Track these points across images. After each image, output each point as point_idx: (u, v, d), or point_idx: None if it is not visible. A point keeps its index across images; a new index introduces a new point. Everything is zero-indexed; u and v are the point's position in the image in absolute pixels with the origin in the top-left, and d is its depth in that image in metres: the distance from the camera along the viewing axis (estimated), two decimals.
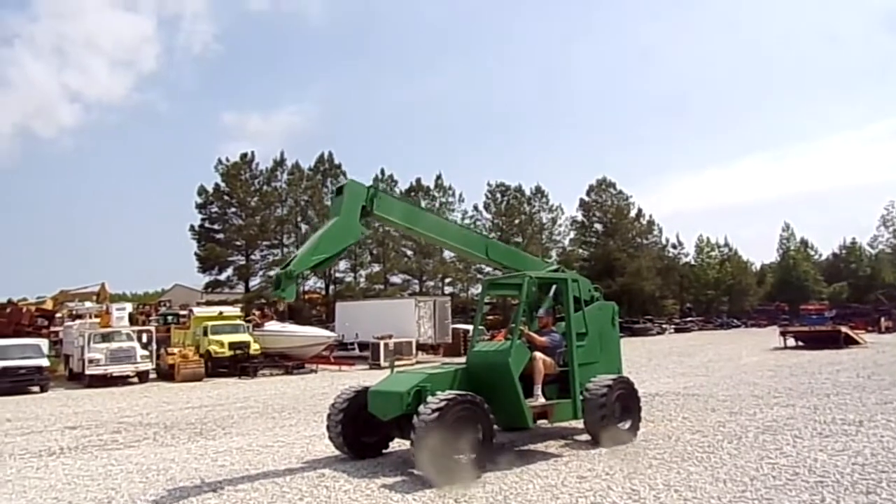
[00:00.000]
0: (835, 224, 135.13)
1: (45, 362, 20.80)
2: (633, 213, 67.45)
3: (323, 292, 52.45)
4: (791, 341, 27.92)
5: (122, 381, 21.61)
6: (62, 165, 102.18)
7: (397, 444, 8.24)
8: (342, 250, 7.67)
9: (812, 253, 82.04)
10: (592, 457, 7.59)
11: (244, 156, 50.64)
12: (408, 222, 8.60)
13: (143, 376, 22.17)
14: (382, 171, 56.35)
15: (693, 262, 73.60)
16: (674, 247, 71.42)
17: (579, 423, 8.53)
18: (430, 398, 6.92)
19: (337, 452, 8.14)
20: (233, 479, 7.28)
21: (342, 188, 7.81)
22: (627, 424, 8.33)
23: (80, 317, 26.07)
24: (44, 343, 23.00)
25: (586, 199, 66.68)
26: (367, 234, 8.64)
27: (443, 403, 6.72)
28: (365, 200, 7.70)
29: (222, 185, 49.51)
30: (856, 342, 26.46)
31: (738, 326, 61.00)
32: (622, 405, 8.29)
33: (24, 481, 7.71)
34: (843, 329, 27.40)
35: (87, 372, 21.04)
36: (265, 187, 50.80)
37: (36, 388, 20.01)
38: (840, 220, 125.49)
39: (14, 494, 7.05)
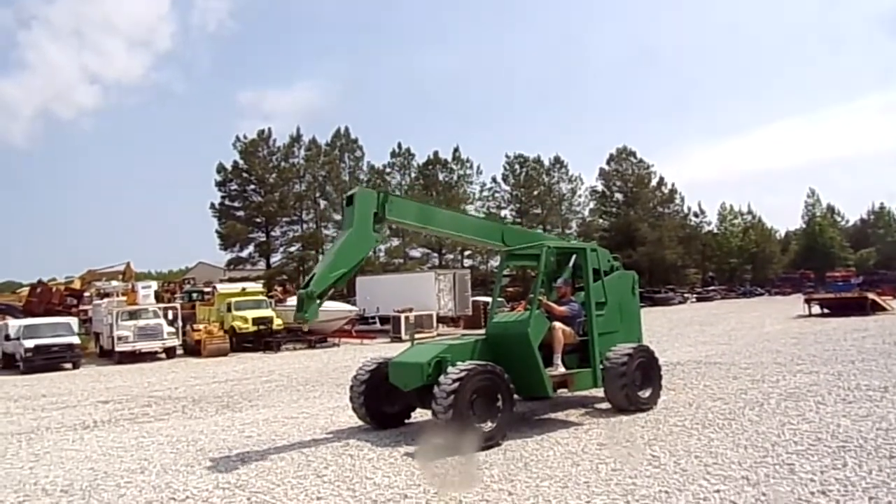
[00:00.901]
0: (863, 189, 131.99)
1: (76, 340, 21.36)
2: (654, 182, 66.53)
3: None
4: (816, 309, 27.54)
5: (150, 357, 22.17)
6: (83, 147, 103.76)
7: (419, 415, 8.37)
8: (360, 261, 7.59)
9: (839, 219, 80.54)
10: (613, 424, 7.64)
11: (261, 132, 50.84)
12: (422, 222, 8.69)
13: (170, 352, 22.70)
14: (399, 145, 56.30)
15: (716, 231, 72.59)
16: (696, 215, 70.52)
17: (599, 392, 8.58)
18: (450, 368, 6.99)
19: (360, 423, 8.29)
20: (260, 449, 7.47)
21: (352, 197, 7.68)
22: (648, 392, 8.34)
23: (107, 295, 26.64)
24: (74, 321, 23.60)
25: (606, 168, 65.90)
26: (381, 241, 8.63)
27: (463, 374, 6.80)
28: (376, 207, 7.61)
29: (241, 162, 49.80)
30: (883, 309, 26.03)
31: (761, 295, 60.38)
32: (642, 373, 8.30)
33: (62, 453, 8.00)
34: (870, 295, 26.96)
35: (117, 349, 21.59)
36: (283, 164, 50.97)
37: (68, 365, 20.62)
38: (868, 185, 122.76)
39: (52, 465, 7.32)
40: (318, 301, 7.08)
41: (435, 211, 9.33)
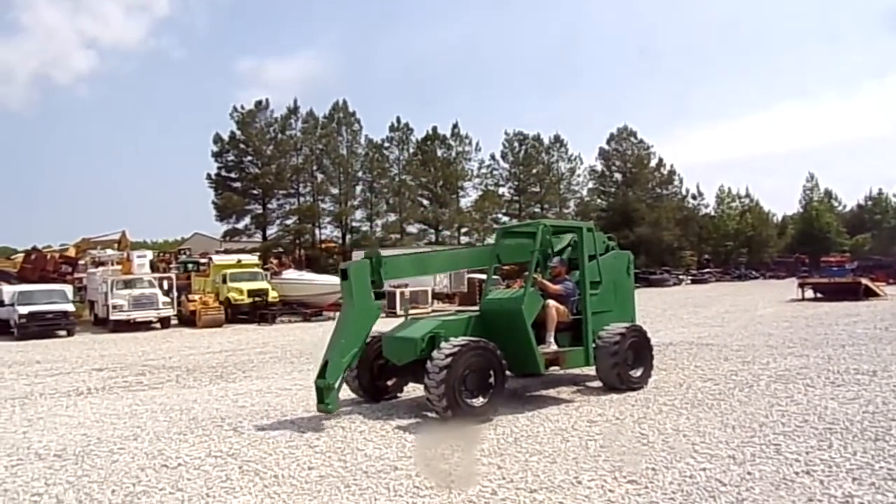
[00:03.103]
0: (862, 175, 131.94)
1: (70, 307, 21.40)
2: (653, 163, 66.36)
3: (340, 241, 52.83)
4: (809, 293, 27.70)
5: (145, 326, 22.22)
6: (80, 113, 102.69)
7: (412, 389, 8.42)
8: (368, 334, 7.60)
9: (836, 204, 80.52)
10: (603, 402, 7.70)
11: (259, 103, 50.33)
12: (420, 272, 8.99)
13: (165, 322, 22.77)
14: (398, 119, 55.76)
15: (713, 213, 72.63)
16: (693, 197, 70.57)
17: (591, 371, 8.64)
18: (443, 344, 7.02)
19: (353, 396, 8.34)
20: (253, 419, 7.52)
21: (346, 272, 7.57)
22: (639, 372, 8.40)
23: (102, 264, 26.60)
24: (68, 289, 23.60)
25: (606, 147, 65.64)
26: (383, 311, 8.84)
27: (456, 349, 6.82)
28: (372, 275, 7.58)
29: (238, 133, 49.37)
30: (875, 294, 26.18)
31: (756, 278, 60.64)
32: (634, 353, 8.35)
33: (55, 419, 8.04)
34: (863, 281, 27.09)
35: (112, 317, 21.63)
36: (280, 136, 50.55)
37: (63, 332, 20.69)
38: (868, 170, 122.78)
39: (46, 430, 7.37)
40: (336, 389, 7.07)
41: (428, 258, 9.41)
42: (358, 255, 35.21)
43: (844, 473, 4.87)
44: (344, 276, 7.59)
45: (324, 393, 7.00)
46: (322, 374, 7.12)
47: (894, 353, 10.85)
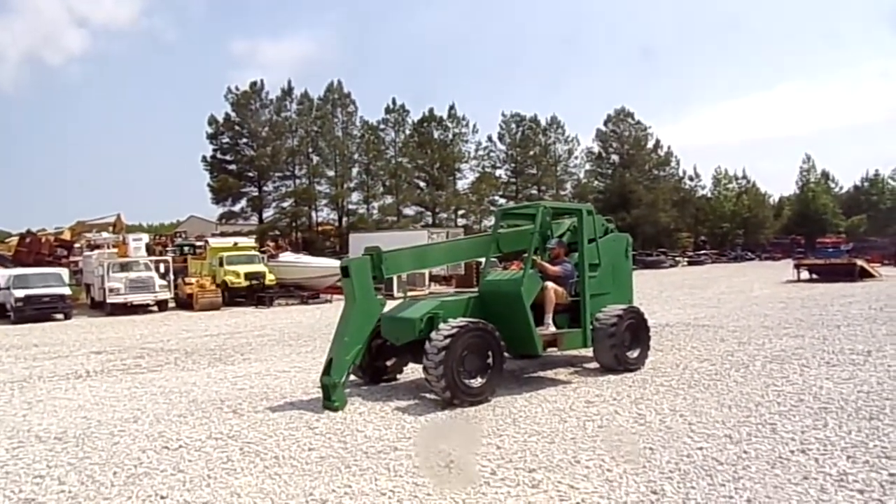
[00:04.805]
0: (860, 157, 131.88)
1: (67, 291, 21.33)
2: (650, 144, 66.13)
3: (336, 224, 52.73)
4: (805, 274, 27.83)
5: (142, 309, 22.21)
6: (73, 94, 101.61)
7: (410, 371, 8.46)
8: (373, 331, 7.58)
9: (832, 185, 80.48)
10: (601, 383, 7.76)
11: (254, 84, 49.87)
12: (420, 265, 8.97)
13: (162, 305, 22.75)
14: (394, 101, 55.33)
15: (710, 195, 72.60)
16: (690, 179, 70.42)
17: (589, 352, 8.69)
18: (442, 324, 7.04)
19: (352, 377, 8.37)
20: (252, 401, 7.55)
21: (347, 269, 7.51)
22: (636, 353, 8.45)
23: (98, 247, 26.49)
24: (64, 272, 23.51)
25: (603, 129, 65.34)
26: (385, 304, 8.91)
27: (455, 330, 6.85)
28: (373, 271, 7.57)
29: (233, 114, 48.97)
30: (871, 275, 26.32)
31: (752, 260, 60.78)
32: (632, 334, 8.40)
33: (55, 401, 8.06)
34: (859, 262, 27.22)
35: (108, 300, 21.59)
36: (275, 117, 50.15)
37: (60, 316, 20.66)
38: (866, 152, 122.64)
39: (45, 413, 7.39)
40: (342, 386, 7.05)
41: (427, 251, 9.44)
42: (354, 238, 35.15)
43: (839, 452, 4.94)
44: (345, 273, 7.56)
45: (330, 390, 7.01)
46: (327, 371, 7.13)
47: (889, 333, 10.93)
